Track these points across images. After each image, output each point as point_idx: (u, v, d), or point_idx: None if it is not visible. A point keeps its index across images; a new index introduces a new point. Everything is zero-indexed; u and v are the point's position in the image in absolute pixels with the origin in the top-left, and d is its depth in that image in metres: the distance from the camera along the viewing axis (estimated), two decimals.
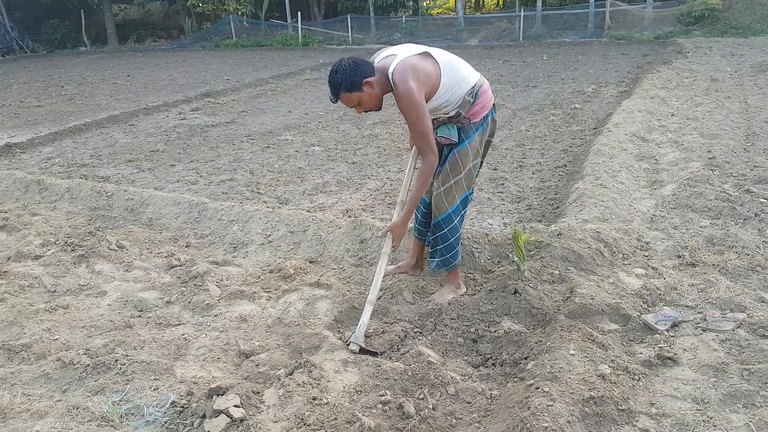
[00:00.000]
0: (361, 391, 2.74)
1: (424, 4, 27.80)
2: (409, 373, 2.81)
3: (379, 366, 2.89)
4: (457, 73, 3.19)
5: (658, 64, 12.15)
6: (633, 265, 3.76)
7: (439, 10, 35.04)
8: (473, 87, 3.22)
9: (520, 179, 5.79)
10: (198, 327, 3.49)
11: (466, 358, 3.06)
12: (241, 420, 2.45)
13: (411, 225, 3.82)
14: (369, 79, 3.01)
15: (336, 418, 2.50)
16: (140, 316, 3.63)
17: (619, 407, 2.42)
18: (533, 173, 5.98)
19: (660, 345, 2.90)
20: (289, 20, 24.95)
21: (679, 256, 3.82)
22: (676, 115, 7.78)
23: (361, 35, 23.52)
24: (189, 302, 3.76)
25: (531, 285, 3.40)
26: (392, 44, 3.27)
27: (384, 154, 6.95)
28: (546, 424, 2.24)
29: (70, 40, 28.43)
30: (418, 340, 3.14)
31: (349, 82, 2.99)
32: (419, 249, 3.87)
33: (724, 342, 2.89)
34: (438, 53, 3.20)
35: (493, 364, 2.99)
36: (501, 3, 34.22)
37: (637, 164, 5.77)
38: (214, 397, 2.57)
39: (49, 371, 2.95)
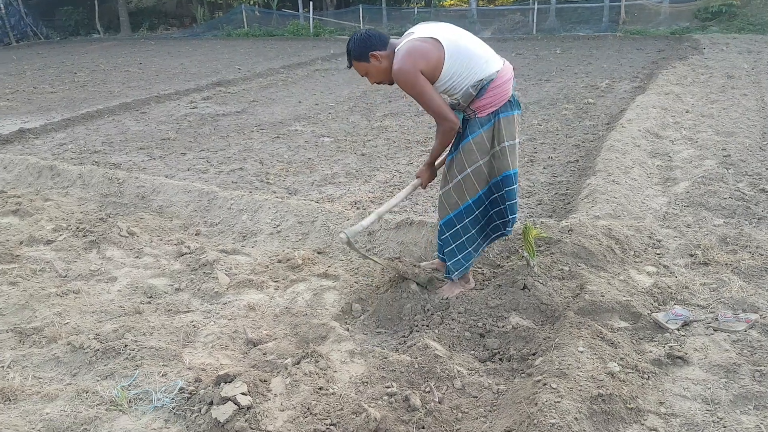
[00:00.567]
0: (367, 383, 2.74)
1: None
2: (416, 366, 2.81)
3: (386, 358, 2.89)
4: (465, 62, 3.04)
5: (673, 60, 12.02)
6: (644, 262, 3.73)
7: (452, 2, 34.82)
8: (481, 80, 3.04)
9: (531, 174, 5.75)
10: (207, 314, 3.51)
11: (473, 352, 3.05)
12: (248, 407, 2.46)
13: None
14: (376, 53, 3.08)
15: (342, 409, 2.51)
16: (150, 303, 3.66)
17: (628, 405, 2.41)
18: (544, 168, 5.94)
19: (670, 344, 2.88)
20: (300, 10, 24.88)
21: (692, 255, 3.79)
22: (691, 111, 7.69)
23: (373, 25, 23.38)
24: (198, 290, 3.78)
25: (540, 281, 3.38)
26: (390, 34, 3.23)
27: (393, 146, 6.93)
28: (553, 421, 2.23)
29: (83, 27, 28.53)
30: (425, 333, 3.14)
31: (357, 51, 3.12)
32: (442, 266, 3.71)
33: (735, 342, 2.86)
34: (449, 38, 3.06)
35: (500, 359, 2.98)
36: None
37: (650, 161, 5.72)
38: (222, 384, 2.58)
39: (60, 355, 2.98)
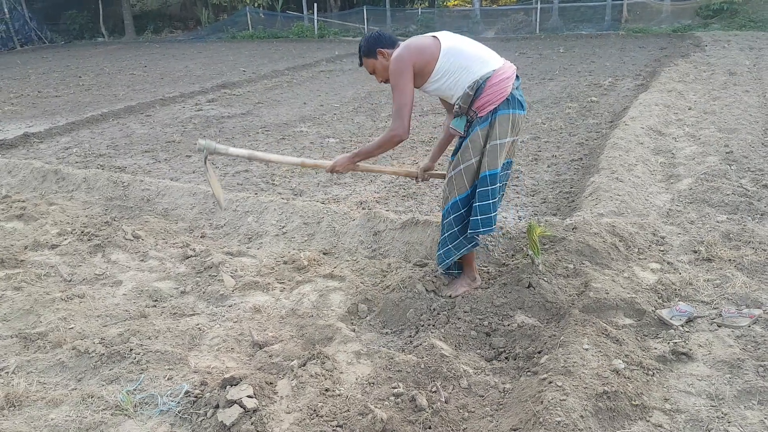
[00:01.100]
0: (373, 383, 2.74)
1: None
2: (422, 366, 2.81)
3: (392, 358, 2.90)
4: (461, 62, 3.11)
5: (675, 58, 11.99)
6: (648, 259, 3.72)
7: (456, 2, 34.81)
8: (476, 80, 3.08)
9: (536, 172, 5.75)
10: (212, 317, 3.52)
11: (479, 351, 3.05)
12: (254, 410, 2.47)
13: None
14: (384, 50, 3.23)
15: (348, 410, 2.51)
16: (155, 306, 3.67)
17: (633, 402, 2.40)
18: (548, 166, 5.93)
19: (675, 340, 2.88)
20: (305, 12, 24.93)
21: (695, 251, 3.78)
22: (694, 109, 7.68)
23: (377, 27, 23.43)
24: (203, 292, 3.79)
25: (545, 279, 3.38)
26: (407, 36, 3.33)
27: (398, 147, 6.92)
28: (559, 419, 2.24)
29: (87, 31, 28.65)
30: (431, 332, 3.14)
31: (366, 48, 3.27)
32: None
33: (739, 338, 2.86)
34: (449, 39, 3.18)
35: (506, 358, 2.99)
36: None
37: (653, 158, 5.71)
38: (228, 387, 2.59)
39: (65, 360, 2.99)
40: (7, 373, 2.93)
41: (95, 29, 28.57)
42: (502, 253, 3.95)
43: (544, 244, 3.79)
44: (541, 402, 2.36)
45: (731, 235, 3.93)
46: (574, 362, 2.60)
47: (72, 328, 3.33)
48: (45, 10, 28.43)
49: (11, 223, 5.03)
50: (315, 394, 2.63)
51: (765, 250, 3.71)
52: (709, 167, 5.24)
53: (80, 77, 14.56)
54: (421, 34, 3.32)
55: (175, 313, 3.57)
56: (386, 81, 3.26)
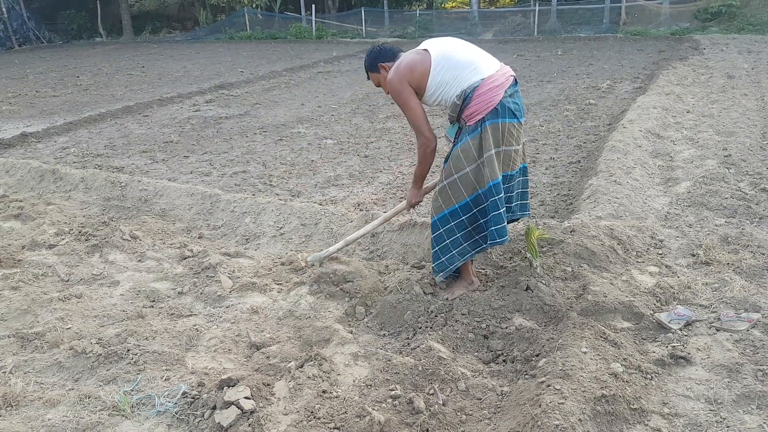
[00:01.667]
0: (371, 385, 2.74)
1: None
2: (420, 368, 2.80)
3: (390, 360, 2.89)
4: (452, 72, 3.10)
5: (673, 61, 12.01)
6: (647, 263, 3.72)
7: (453, 4, 34.83)
8: (464, 90, 3.08)
9: (533, 174, 5.75)
10: (210, 318, 3.51)
11: (476, 353, 3.05)
12: (252, 412, 2.46)
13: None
14: (385, 64, 3.30)
15: (346, 412, 2.51)
16: (152, 307, 3.66)
17: (631, 406, 2.40)
18: (546, 169, 5.94)
19: (673, 344, 2.88)
20: (303, 13, 24.92)
21: (694, 255, 3.78)
22: (692, 112, 7.69)
23: (375, 28, 23.45)
24: (201, 293, 3.78)
25: (543, 281, 3.38)
26: (405, 38, 3.34)
27: (396, 148, 6.93)
28: (557, 422, 2.23)
29: (86, 31, 28.62)
30: (429, 334, 3.14)
31: (369, 63, 3.36)
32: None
33: (738, 342, 2.86)
34: (440, 50, 3.16)
35: (504, 361, 2.98)
36: None
37: (651, 161, 5.72)
38: (225, 388, 2.58)
39: (62, 360, 2.98)
40: (4, 372, 2.91)
41: (93, 29, 28.53)
42: (500, 255, 3.94)
43: (542, 247, 3.79)
44: (539, 405, 2.36)
45: (730, 239, 3.93)
46: (573, 365, 2.60)
47: (69, 328, 3.32)
48: (43, 9, 28.38)
49: (9, 223, 5.02)
50: (312, 396, 2.63)
51: (763, 254, 3.71)
52: (708, 170, 5.25)
53: (78, 77, 14.53)
54: (419, 36, 3.33)
55: (172, 314, 3.56)
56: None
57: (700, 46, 14.44)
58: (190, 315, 3.56)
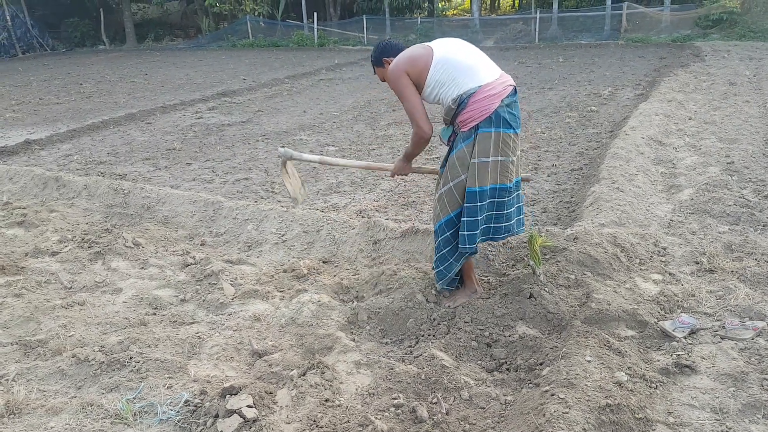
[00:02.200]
0: (373, 394, 2.73)
1: (439, 6, 27.73)
2: (423, 377, 2.79)
3: (392, 369, 2.88)
4: (451, 73, 3.09)
5: (675, 68, 12.03)
6: (650, 270, 3.71)
7: (455, 12, 34.96)
8: (460, 95, 3.07)
9: (536, 182, 5.74)
10: (212, 326, 3.50)
11: (480, 362, 3.03)
12: (254, 420, 2.45)
13: None
14: (389, 59, 3.32)
15: (348, 421, 2.49)
16: (155, 314, 3.65)
17: (636, 415, 2.38)
18: (549, 176, 5.94)
19: (678, 353, 2.86)
20: (305, 21, 25.01)
21: (697, 262, 3.77)
22: (694, 119, 7.69)
23: (377, 36, 23.51)
24: (203, 300, 3.77)
25: (546, 289, 3.37)
26: (408, 45, 3.36)
27: (398, 155, 6.90)
28: None
29: (89, 39, 28.74)
30: (432, 342, 3.12)
31: (374, 57, 3.40)
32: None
33: (743, 351, 2.84)
34: (444, 49, 3.17)
35: (507, 369, 2.97)
36: (517, 4, 34.06)
37: (654, 168, 5.71)
38: (227, 396, 2.57)
39: (65, 367, 2.98)
40: (7, 380, 2.91)
41: (96, 37, 28.66)
42: (503, 263, 3.94)
43: (545, 254, 3.78)
44: (544, 414, 2.35)
45: (733, 246, 3.92)
46: (577, 374, 2.58)
47: (72, 335, 3.31)
48: (47, 17, 28.53)
49: (12, 230, 5.02)
50: (315, 405, 2.62)
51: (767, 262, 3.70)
52: (710, 178, 5.24)
53: (81, 84, 14.58)
54: (421, 43, 3.34)
55: (174, 321, 3.55)
56: None
57: (702, 53, 14.47)
58: (193, 322, 3.55)
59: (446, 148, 3.38)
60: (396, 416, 2.55)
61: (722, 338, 2.96)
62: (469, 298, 3.47)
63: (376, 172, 6.19)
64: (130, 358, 3.01)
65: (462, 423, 2.54)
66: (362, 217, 4.87)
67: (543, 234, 4.01)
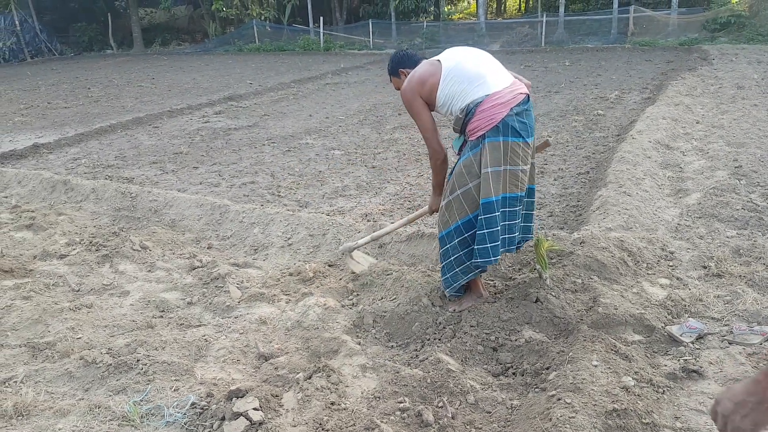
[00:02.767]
0: (379, 398, 2.73)
1: (445, 9, 27.75)
2: (428, 381, 2.79)
3: (398, 372, 2.88)
4: (460, 85, 3.09)
5: (682, 71, 11.99)
6: (657, 275, 3.70)
7: (461, 15, 34.99)
8: (468, 104, 3.07)
9: (542, 185, 5.74)
10: (218, 328, 3.52)
11: (486, 366, 3.03)
12: (260, 423, 2.46)
13: None
14: (405, 70, 3.38)
15: (354, 424, 2.49)
16: (162, 317, 3.67)
17: (643, 420, 2.37)
18: (555, 179, 5.93)
19: (685, 357, 2.85)
20: (311, 25, 25.10)
21: (705, 267, 3.76)
22: (702, 122, 7.66)
23: (382, 40, 23.57)
24: (210, 303, 3.79)
25: (553, 294, 3.36)
26: (424, 57, 3.39)
27: (403, 159, 6.94)
28: None
29: (97, 43, 28.94)
30: (437, 346, 3.12)
31: (390, 67, 3.47)
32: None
33: (751, 356, 2.83)
34: (452, 62, 3.16)
35: (513, 374, 2.96)
36: (523, 8, 34.08)
37: (661, 172, 5.69)
38: (234, 399, 2.58)
39: (72, 370, 2.99)
40: (16, 382, 2.93)
41: (104, 41, 28.85)
42: (509, 267, 3.93)
43: (552, 259, 3.77)
44: (550, 419, 2.34)
45: (741, 251, 3.90)
46: (583, 379, 2.58)
47: (80, 338, 3.33)
48: (55, 22, 28.76)
49: (21, 233, 5.05)
50: (321, 408, 2.62)
51: None
52: (718, 182, 5.22)
53: (89, 89, 14.67)
54: (426, 47, 3.36)
55: (181, 324, 3.57)
56: None
57: (709, 56, 14.42)
58: (199, 325, 3.56)
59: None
60: (402, 420, 2.54)
61: (730, 343, 2.94)
62: (475, 302, 3.46)
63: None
64: (138, 360, 3.02)
65: (468, 427, 2.54)
66: (368, 220, 4.88)
67: (549, 238, 4.00)
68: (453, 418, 2.58)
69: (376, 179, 6.20)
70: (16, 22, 25.79)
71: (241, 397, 2.58)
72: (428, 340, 3.25)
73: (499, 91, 3.06)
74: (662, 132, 6.98)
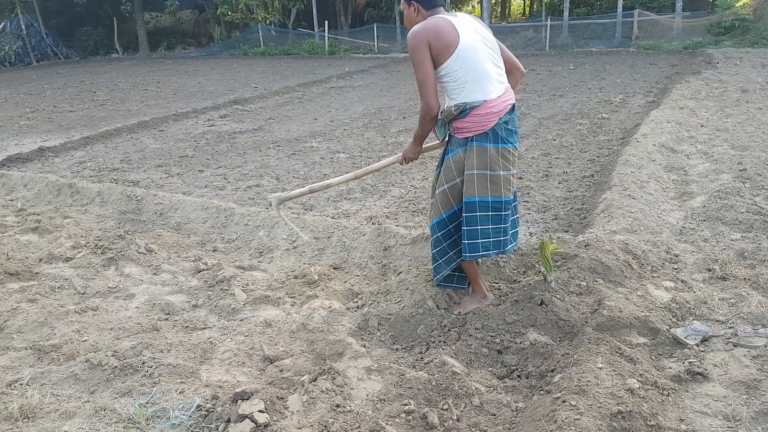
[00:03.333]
0: (384, 400, 2.73)
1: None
2: (433, 383, 2.79)
3: (403, 375, 2.89)
4: (467, 74, 3.05)
5: (687, 75, 11.98)
6: (662, 277, 3.69)
7: None
8: (465, 103, 3.08)
9: (547, 188, 5.74)
10: (224, 331, 3.52)
11: (490, 369, 3.03)
12: (266, 425, 2.46)
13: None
14: (416, 4, 3.19)
15: (359, 427, 2.50)
16: (167, 320, 3.68)
17: (648, 423, 2.37)
18: (560, 183, 5.93)
19: (690, 360, 2.85)
20: (316, 29, 25.17)
21: (710, 270, 3.75)
22: (706, 126, 7.65)
23: (387, 44, 23.63)
24: (215, 306, 3.80)
25: (558, 296, 3.36)
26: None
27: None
28: None
29: (102, 47, 29.08)
30: (442, 349, 3.13)
31: None
32: None
33: (756, 358, 2.82)
34: (468, 37, 3.06)
35: (518, 376, 2.96)
36: (527, 12, 34.10)
37: (666, 175, 5.69)
38: (239, 401, 2.59)
39: (78, 372, 3.00)
40: (22, 384, 2.94)
41: (110, 45, 29.00)
42: (514, 269, 3.93)
43: (556, 261, 3.77)
44: (555, 421, 2.34)
45: (746, 254, 3.90)
46: (588, 381, 2.58)
47: (85, 340, 3.35)
48: (61, 26, 28.93)
49: (26, 236, 5.08)
50: (326, 410, 2.62)
51: None
52: (723, 185, 5.21)
53: (95, 92, 14.74)
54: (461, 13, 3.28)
55: (187, 327, 3.58)
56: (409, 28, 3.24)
57: (714, 60, 14.40)
58: (205, 328, 3.57)
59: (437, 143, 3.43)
60: (407, 422, 2.55)
61: (735, 346, 2.94)
62: (479, 304, 3.47)
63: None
64: (143, 363, 3.03)
65: (473, 429, 2.54)
66: (372, 223, 4.89)
67: (554, 241, 4.00)
68: (458, 420, 2.58)
69: (380, 182, 6.22)
70: (23, 27, 25.95)
71: (246, 400, 2.59)
72: (433, 342, 3.25)
73: (495, 99, 3.11)
74: (667, 135, 6.98)
